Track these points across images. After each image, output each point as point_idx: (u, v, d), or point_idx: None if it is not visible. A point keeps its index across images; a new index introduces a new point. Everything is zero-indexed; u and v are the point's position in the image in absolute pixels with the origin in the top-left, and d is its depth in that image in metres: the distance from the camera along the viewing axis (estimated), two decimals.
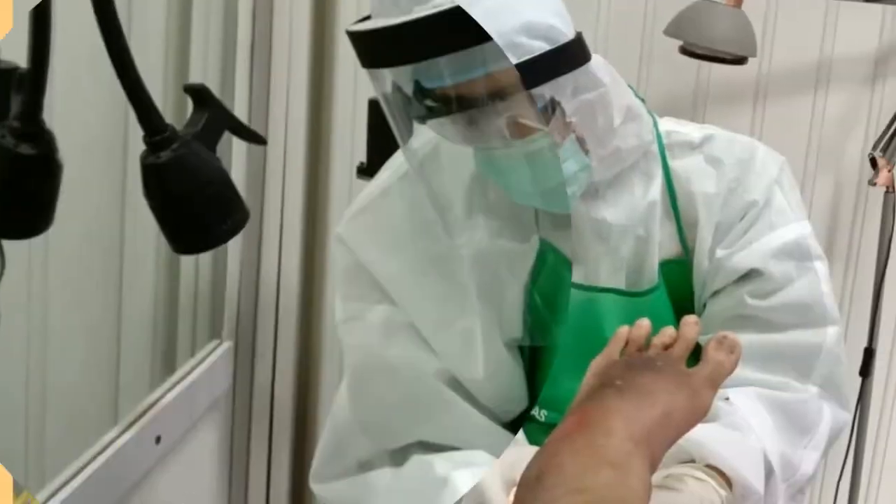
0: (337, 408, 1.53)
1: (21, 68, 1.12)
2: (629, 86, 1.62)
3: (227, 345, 2.05)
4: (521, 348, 1.52)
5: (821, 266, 1.65)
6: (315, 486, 1.54)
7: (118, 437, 1.64)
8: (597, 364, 1.26)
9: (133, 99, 1.11)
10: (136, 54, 1.08)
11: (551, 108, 1.42)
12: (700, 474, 1.36)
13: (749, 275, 1.61)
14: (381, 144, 1.71)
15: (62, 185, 1.14)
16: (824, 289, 1.64)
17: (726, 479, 1.39)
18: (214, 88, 1.25)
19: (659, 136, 1.67)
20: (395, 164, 1.49)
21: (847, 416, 1.68)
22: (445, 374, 1.44)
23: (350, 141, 2.09)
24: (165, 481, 1.77)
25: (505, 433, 1.47)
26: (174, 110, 1.64)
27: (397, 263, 1.45)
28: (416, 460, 1.43)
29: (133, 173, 1.33)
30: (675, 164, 1.66)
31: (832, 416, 1.63)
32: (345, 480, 1.50)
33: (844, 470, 2.50)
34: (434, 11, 1.13)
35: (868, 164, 2.34)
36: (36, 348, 1.66)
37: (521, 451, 1.46)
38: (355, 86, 2.06)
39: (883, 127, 2.34)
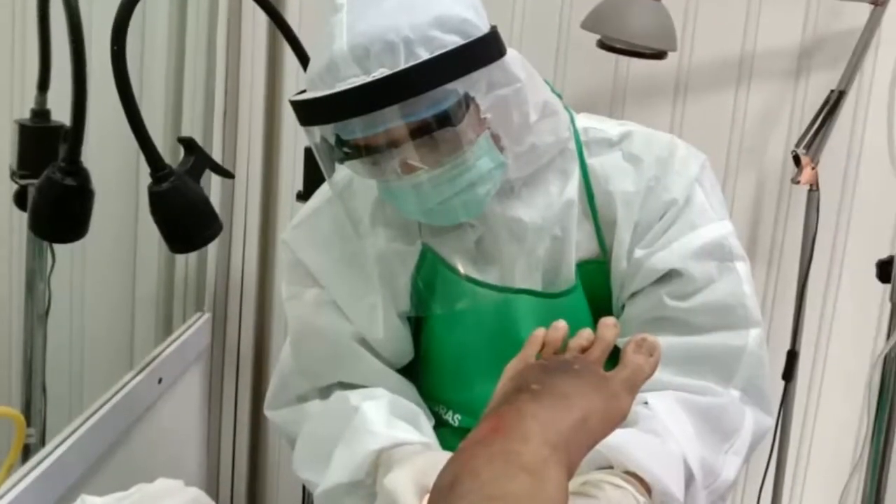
0: (283, 358, 1.87)
1: (66, 126, 1.77)
2: (545, 81, 1.64)
3: (207, 315, 2.77)
4: (409, 318, 1.76)
5: (742, 266, 1.65)
6: (268, 413, 1.89)
7: (132, 378, 2.19)
8: (512, 367, 1.25)
9: (142, 146, 1.70)
10: (145, 114, 1.68)
11: (465, 105, 1.45)
12: (618, 480, 1.35)
13: (668, 275, 1.61)
14: (312, 178, 2.26)
15: (94, 206, 1.75)
16: (746, 290, 1.63)
17: (645, 486, 1.38)
18: (198, 138, 1.96)
19: (576, 133, 1.68)
20: (323, 191, 1.79)
21: (770, 421, 1.68)
22: (357, 336, 1.74)
23: (292, 175, 2.77)
24: (165, 410, 2.44)
25: (398, 376, 1.77)
26: (171, 154, 2.20)
27: (324, 259, 1.75)
28: (337, 394, 1.74)
29: (143, 198, 1.79)
30: (593, 162, 1.67)
31: (754, 420, 1.62)
32: (288, 408, 1.84)
33: (767, 476, 2.52)
34: (347, 87, 1.40)
35: (791, 162, 2.34)
36: (77, 318, 2.47)
37: (434, 456, 1.48)
38: (295, 138, 2.71)
39: (806, 123, 2.35)
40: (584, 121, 1.71)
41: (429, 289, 1.71)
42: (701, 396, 1.58)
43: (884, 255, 2.06)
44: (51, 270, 2.01)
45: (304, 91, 1.50)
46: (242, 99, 2.72)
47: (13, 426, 1.82)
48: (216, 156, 2.61)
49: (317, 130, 1.51)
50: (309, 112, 1.47)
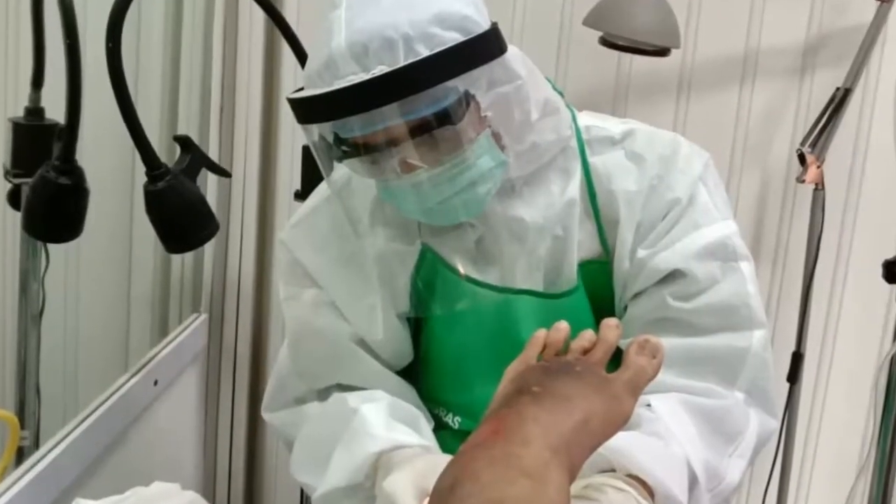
0: (280, 360, 1.86)
1: (60, 124, 1.76)
2: (547, 79, 1.63)
3: (204, 316, 2.77)
4: (408, 318, 1.76)
5: (746, 266, 1.64)
6: (265, 415, 1.89)
7: (128, 380, 2.20)
8: (513, 369, 1.25)
9: (138, 144, 1.69)
10: (140, 112, 1.66)
11: (465, 102, 1.45)
12: (621, 484, 1.35)
13: (672, 276, 1.61)
14: (311, 177, 2.25)
15: (89, 205, 1.73)
16: (750, 290, 1.63)
17: (648, 489, 1.38)
18: (194, 137, 1.99)
19: (578, 132, 1.67)
20: (321, 190, 1.80)
21: (774, 424, 1.67)
22: (356, 337, 1.73)
23: (289, 174, 2.76)
24: (161, 412, 2.44)
25: (397, 378, 1.77)
26: (167, 153, 2.16)
27: (322, 259, 1.74)
28: (336, 396, 1.74)
29: (138, 197, 1.79)
30: (595, 161, 1.66)
31: (759, 423, 1.62)
32: (286, 410, 1.84)
33: (772, 479, 2.52)
34: (346, 85, 1.40)
35: (796, 161, 2.34)
36: (71, 318, 2.44)
37: (434, 459, 1.49)
38: (293, 136, 2.73)
39: (811, 121, 2.34)
40: (586, 119, 1.71)
41: (428, 289, 1.71)
42: (704, 398, 1.57)
43: (890, 254, 2.05)
44: (45, 270, 2.00)
45: (301, 89, 1.50)
46: (239, 96, 2.71)
47: (7, 428, 1.82)
48: (213, 154, 2.61)
49: (315, 129, 1.51)
50: (307, 110, 1.47)
